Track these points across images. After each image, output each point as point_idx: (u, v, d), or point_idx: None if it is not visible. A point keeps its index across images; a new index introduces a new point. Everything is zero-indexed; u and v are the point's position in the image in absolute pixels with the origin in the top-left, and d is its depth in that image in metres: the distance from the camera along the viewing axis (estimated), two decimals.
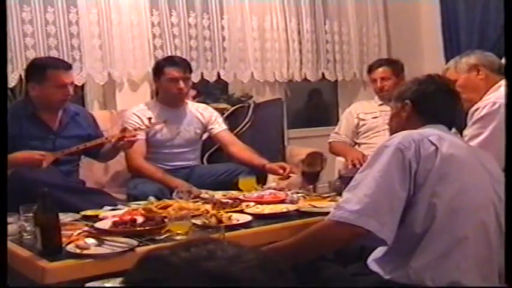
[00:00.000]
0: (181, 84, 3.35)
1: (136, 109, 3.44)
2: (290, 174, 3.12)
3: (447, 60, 3.06)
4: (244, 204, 2.58)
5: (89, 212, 2.53)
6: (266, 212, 2.47)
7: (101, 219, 2.36)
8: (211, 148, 3.77)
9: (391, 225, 1.65)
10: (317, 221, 2.02)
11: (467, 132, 2.46)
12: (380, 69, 3.86)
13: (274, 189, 2.90)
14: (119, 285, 1.68)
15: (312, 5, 4.66)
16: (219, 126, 3.57)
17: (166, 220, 2.21)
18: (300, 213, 2.45)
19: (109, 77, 3.89)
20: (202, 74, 4.21)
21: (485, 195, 1.75)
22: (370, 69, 3.97)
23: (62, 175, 2.97)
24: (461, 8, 4.75)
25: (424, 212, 1.67)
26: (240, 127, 3.98)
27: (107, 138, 3.16)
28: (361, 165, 2.93)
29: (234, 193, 2.85)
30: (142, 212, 2.39)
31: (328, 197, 2.68)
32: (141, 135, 3.27)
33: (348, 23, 4.85)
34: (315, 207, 2.50)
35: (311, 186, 2.88)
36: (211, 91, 4.30)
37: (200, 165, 3.61)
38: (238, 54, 4.35)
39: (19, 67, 3.53)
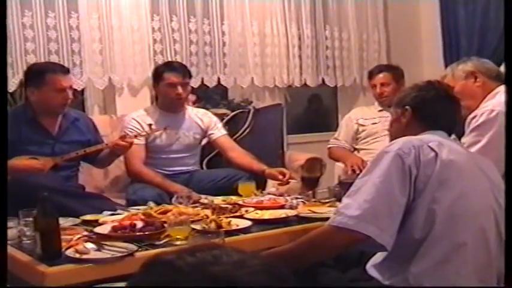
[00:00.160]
0: (180, 89, 3.35)
1: (136, 114, 3.44)
2: (289, 180, 3.12)
3: (447, 66, 3.06)
4: (243, 209, 2.57)
5: (88, 217, 2.53)
6: (265, 217, 2.47)
7: (100, 224, 2.36)
8: (210, 153, 3.77)
9: (390, 230, 1.65)
10: (316, 226, 2.02)
11: (465, 139, 2.45)
12: (380, 75, 3.86)
13: (274, 194, 2.90)
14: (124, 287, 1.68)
15: (313, 11, 4.68)
16: (219, 131, 3.57)
17: (165, 225, 2.21)
18: (300, 219, 2.45)
19: (109, 82, 3.90)
20: (202, 79, 4.21)
21: (485, 201, 1.75)
22: (370, 75, 3.97)
23: (61, 180, 2.97)
24: (461, 14, 4.77)
25: (423, 218, 1.67)
26: (239, 132, 3.97)
27: (106, 144, 3.17)
28: (360, 171, 2.94)
29: (233, 198, 2.85)
30: (142, 217, 2.39)
31: (327, 202, 2.67)
32: (141, 141, 3.28)
33: (348, 29, 4.86)
34: (314, 212, 2.49)
35: (310, 192, 2.88)
36: (211, 96, 4.30)
37: (199, 170, 3.61)
38: (239, 60, 4.36)
39: (20, 72, 3.53)
